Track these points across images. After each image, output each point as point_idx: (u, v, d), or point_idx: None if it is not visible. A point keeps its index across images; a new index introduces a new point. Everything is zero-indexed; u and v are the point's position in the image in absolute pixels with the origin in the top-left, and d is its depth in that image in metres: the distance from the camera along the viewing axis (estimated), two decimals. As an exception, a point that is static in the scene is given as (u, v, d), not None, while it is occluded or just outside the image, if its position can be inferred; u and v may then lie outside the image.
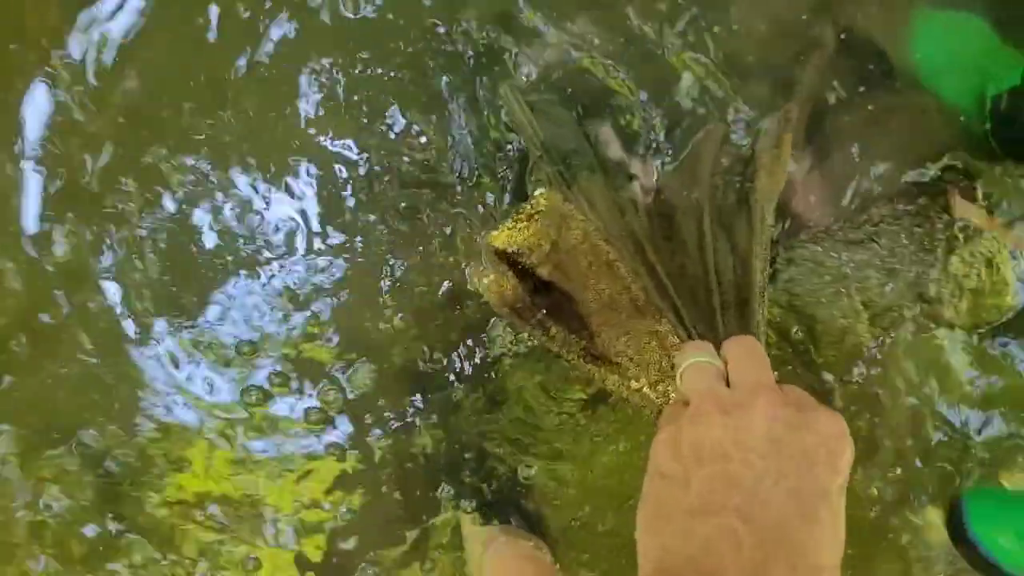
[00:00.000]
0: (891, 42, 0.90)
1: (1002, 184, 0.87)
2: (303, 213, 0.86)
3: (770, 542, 0.38)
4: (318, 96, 0.86)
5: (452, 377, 0.86)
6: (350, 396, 0.87)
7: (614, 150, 0.89)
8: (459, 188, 0.85)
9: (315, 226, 0.86)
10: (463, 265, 0.85)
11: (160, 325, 0.86)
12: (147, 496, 0.86)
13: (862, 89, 0.89)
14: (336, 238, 0.87)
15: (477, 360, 0.86)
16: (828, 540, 0.39)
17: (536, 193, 0.78)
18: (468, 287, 0.85)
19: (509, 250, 0.75)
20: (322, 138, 0.86)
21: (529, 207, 0.76)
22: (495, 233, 0.76)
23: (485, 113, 0.86)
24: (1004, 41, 0.88)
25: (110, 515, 0.86)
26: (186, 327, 0.86)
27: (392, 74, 0.86)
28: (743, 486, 0.39)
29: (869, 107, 0.88)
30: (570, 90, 0.88)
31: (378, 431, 0.87)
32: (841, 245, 0.88)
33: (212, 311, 0.86)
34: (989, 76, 0.87)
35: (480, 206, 0.85)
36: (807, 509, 0.39)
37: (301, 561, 0.87)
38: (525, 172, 0.85)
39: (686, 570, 0.38)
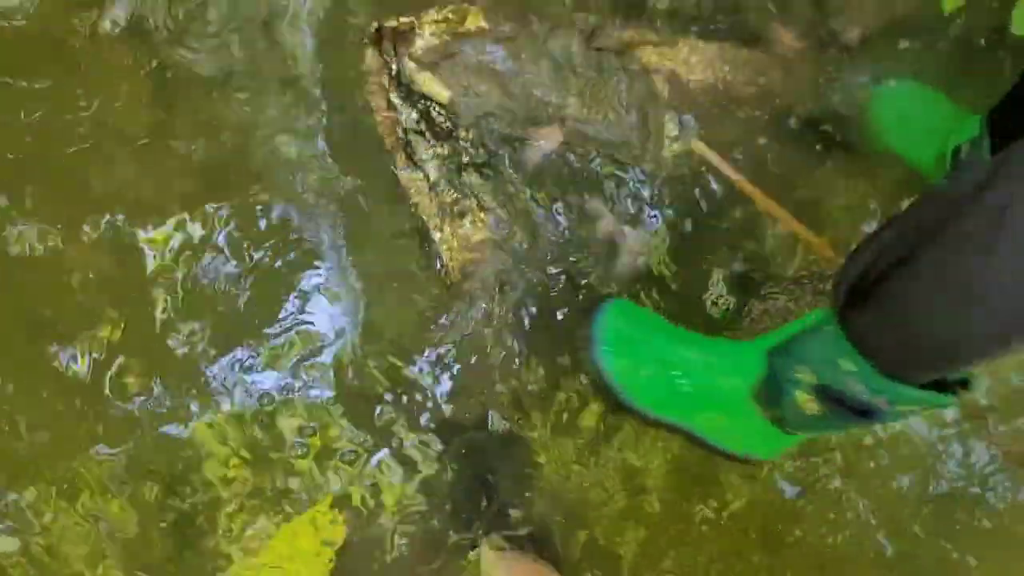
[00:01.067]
0: (854, 112, 1.01)
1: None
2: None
3: None
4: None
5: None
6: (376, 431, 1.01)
7: (606, 223, 1.03)
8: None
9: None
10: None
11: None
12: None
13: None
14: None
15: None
16: None
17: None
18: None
19: None
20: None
21: None
22: None
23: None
24: (957, 103, 0.96)
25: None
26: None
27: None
28: None
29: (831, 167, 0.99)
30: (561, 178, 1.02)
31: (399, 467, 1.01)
32: (810, 296, 0.98)
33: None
34: (948, 134, 0.95)
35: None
36: None
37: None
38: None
39: None
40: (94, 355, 0.98)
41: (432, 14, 1.00)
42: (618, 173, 1.02)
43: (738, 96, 1.04)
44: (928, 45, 1.03)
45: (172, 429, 0.97)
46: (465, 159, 1.00)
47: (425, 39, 0.99)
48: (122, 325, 0.98)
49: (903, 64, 1.02)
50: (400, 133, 0.99)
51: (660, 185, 1.02)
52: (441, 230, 0.99)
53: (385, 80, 1.00)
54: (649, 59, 1.03)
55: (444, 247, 0.98)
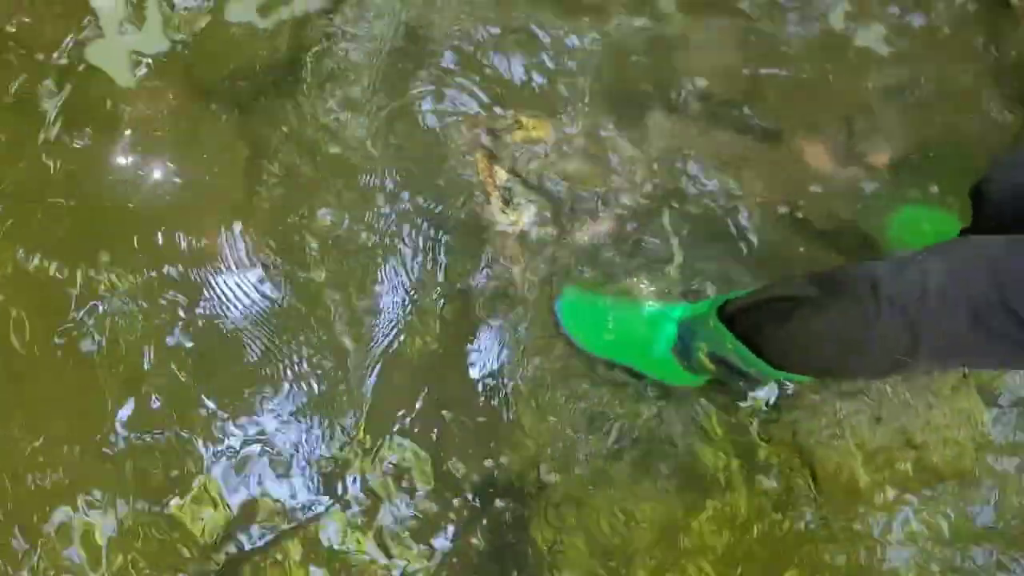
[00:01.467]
0: (872, 226, 1.10)
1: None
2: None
3: None
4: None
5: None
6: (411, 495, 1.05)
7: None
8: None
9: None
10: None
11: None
12: None
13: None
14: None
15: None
16: None
17: None
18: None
19: None
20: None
21: None
22: None
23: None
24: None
25: None
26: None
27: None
28: None
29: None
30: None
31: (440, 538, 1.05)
32: (834, 395, 1.05)
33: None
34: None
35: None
36: None
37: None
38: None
39: None
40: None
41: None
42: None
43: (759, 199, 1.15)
44: (942, 171, 1.13)
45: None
46: (551, 212, 1.14)
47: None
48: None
49: (921, 185, 1.12)
50: (500, 181, 1.13)
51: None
52: (520, 263, 1.10)
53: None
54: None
55: (517, 271, 1.11)
